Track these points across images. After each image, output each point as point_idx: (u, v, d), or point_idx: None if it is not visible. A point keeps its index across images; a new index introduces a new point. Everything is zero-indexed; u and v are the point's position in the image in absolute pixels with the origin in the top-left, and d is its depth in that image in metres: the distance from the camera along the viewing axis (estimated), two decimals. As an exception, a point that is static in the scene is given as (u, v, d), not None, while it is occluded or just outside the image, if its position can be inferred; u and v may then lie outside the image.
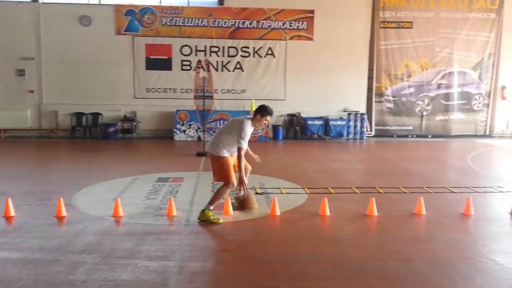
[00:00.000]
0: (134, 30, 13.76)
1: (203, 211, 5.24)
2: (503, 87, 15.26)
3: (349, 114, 14.27)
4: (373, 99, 14.81)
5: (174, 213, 5.51)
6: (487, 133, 15.45)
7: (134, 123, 13.69)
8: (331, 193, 6.81)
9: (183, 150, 11.47)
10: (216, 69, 13.97)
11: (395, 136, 14.97)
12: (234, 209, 5.65)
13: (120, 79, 13.88)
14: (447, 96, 15.12)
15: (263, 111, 5.39)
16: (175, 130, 13.40)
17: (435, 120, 15.17)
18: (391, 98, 14.91)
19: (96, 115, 13.77)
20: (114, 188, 6.93)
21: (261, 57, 14.19)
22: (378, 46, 14.58)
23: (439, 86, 15.06)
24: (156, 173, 8.12)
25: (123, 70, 13.85)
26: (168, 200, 5.74)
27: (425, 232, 5.26)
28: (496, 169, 9.83)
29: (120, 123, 13.64)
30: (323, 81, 14.42)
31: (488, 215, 5.78)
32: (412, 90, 14.93)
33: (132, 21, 13.72)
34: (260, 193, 6.69)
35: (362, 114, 14.39)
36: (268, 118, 5.49)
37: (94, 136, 13.67)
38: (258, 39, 14.11)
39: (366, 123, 14.43)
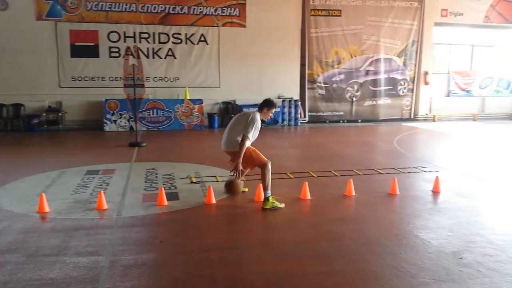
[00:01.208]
0: (56, 15, 12.95)
1: (267, 199, 5.33)
2: (426, 73, 16.18)
3: (283, 101, 14.47)
4: (306, 86, 15.11)
5: (105, 206, 5.30)
6: (412, 116, 16.35)
7: (60, 114, 12.97)
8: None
9: (114, 141, 11.06)
10: (147, 56, 13.54)
11: (327, 121, 15.42)
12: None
13: (43, 68, 13.05)
14: (375, 82, 15.77)
15: (270, 104, 5.63)
16: (105, 120, 12.87)
17: (364, 105, 15.79)
18: (323, 85, 15.29)
19: (17, 106, 12.87)
20: (39, 183, 6.54)
21: (193, 44, 13.94)
22: (309, 34, 14.86)
23: (367, 73, 15.67)
24: (85, 165, 7.76)
25: (46, 57, 13.02)
26: (98, 193, 5.50)
27: (355, 212, 5.48)
28: (419, 151, 10.44)
29: (44, 114, 12.86)
30: (257, 68, 14.48)
31: (412, 194, 6.13)
32: (342, 76, 15.41)
33: (54, 5, 12.90)
34: (196, 182, 6.62)
35: (296, 100, 14.64)
36: (273, 110, 5.71)
37: (16, 129, 12.78)
38: (190, 26, 13.83)
39: (300, 110, 14.72)
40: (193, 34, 13.89)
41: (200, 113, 13.52)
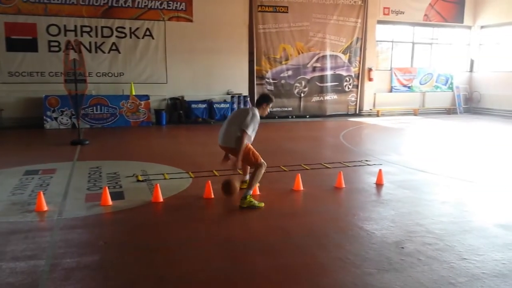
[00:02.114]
0: (-11, 6, 12.17)
1: (245, 197, 5.23)
2: (369, 69, 16.69)
3: (232, 97, 14.43)
4: (255, 82, 15.14)
5: (45, 207, 5.05)
6: (357, 112, 16.82)
7: (-4, 111, 12.23)
8: (215, 175, 6.82)
9: (55, 139, 10.56)
10: (90, 51, 13.02)
11: (276, 117, 15.53)
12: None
13: (-24, 62, 12.23)
14: (322, 79, 16.07)
15: (268, 99, 5.68)
16: (45, 117, 12.25)
17: (312, 101, 16.06)
18: (271, 81, 15.38)
19: None
20: (-28, 185, 6.13)
21: (138, 38, 13.54)
22: (257, 30, 14.89)
23: (314, 69, 15.93)
24: (23, 165, 7.34)
25: (-21, 51, 12.22)
26: (37, 194, 5.23)
27: (303, 206, 5.57)
28: (364, 145, 10.76)
29: (-22, 111, 12.08)
30: (205, 64, 14.31)
31: (357, 186, 6.31)
32: (290, 73, 15.57)
33: (-13, -4, 12.11)
34: (142, 180, 6.46)
35: (245, 96, 14.64)
36: (271, 105, 5.73)
37: None
38: (134, 19, 13.42)
39: (249, 105, 14.75)
40: (138, 28, 13.50)
41: (146, 110, 13.20)
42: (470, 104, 18.27)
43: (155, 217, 5.08)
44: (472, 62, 18.40)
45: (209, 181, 5.77)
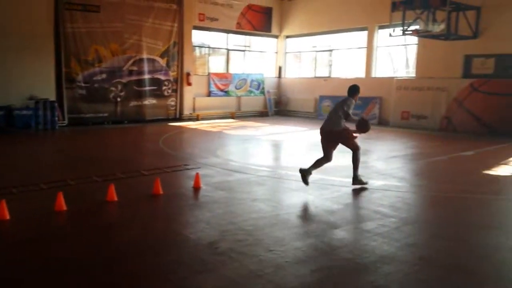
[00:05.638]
0: None
1: (355, 178, 6.39)
2: (188, 74, 16.93)
3: (36, 102, 12.91)
4: (64, 86, 13.87)
5: None
6: (178, 116, 16.89)
7: None
8: (13, 193, 5.92)
9: None
10: None
11: (90, 123, 14.51)
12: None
13: None
14: (139, 82, 15.65)
15: (358, 90, 6.51)
16: None
17: (130, 105, 15.49)
18: (83, 84, 14.30)
19: None
20: None
21: None
22: (65, 29, 13.67)
23: (131, 73, 15.40)
24: None
25: None
26: None
27: (118, 217, 5.25)
28: (184, 149, 10.82)
29: None
30: (1, 65, 12.52)
31: (175, 192, 6.26)
32: (104, 76, 14.73)
33: None
34: None
35: (52, 101, 13.26)
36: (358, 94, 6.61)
37: None
38: None
39: (57, 112, 13.42)
40: None
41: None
42: (280, 107, 20.10)
43: None
44: (280, 68, 20.28)
45: (4, 200, 4.97)
